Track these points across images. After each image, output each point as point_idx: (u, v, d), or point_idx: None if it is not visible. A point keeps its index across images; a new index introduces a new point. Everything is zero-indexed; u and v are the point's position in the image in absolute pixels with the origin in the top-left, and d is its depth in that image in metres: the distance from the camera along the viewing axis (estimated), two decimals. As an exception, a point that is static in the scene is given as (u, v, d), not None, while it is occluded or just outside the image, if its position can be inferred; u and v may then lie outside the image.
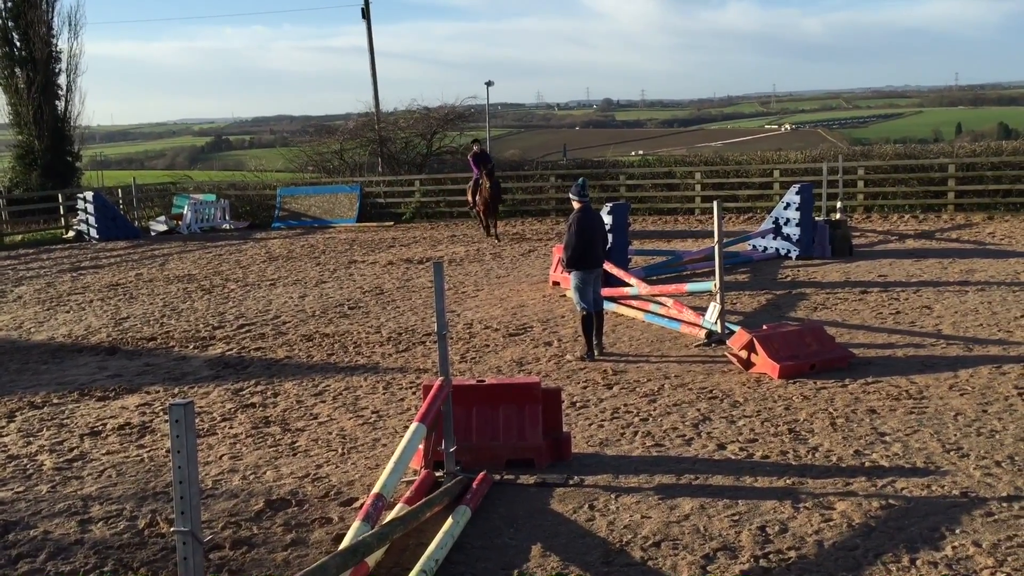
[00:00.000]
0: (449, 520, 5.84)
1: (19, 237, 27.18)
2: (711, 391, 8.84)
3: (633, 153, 58.27)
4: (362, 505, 5.72)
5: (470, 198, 21.89)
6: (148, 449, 7.92)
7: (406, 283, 16.21)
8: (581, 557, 5.51)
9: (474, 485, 6.51)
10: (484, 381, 7.39)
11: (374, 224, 26.96)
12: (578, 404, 8.61)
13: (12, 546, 6.01)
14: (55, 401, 9.54)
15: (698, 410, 8.28)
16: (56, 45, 33.12)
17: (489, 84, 35.84)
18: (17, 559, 5.81)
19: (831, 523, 5.83)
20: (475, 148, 21.84)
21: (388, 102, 45.25)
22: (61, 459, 7.74)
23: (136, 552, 5.84)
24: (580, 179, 10.64)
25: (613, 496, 6.41)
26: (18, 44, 32.50)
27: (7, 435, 8.47)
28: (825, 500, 6.19)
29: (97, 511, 6.55)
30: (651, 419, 8.09)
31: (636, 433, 7.73)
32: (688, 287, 12.16)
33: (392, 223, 27.09)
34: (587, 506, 6.27)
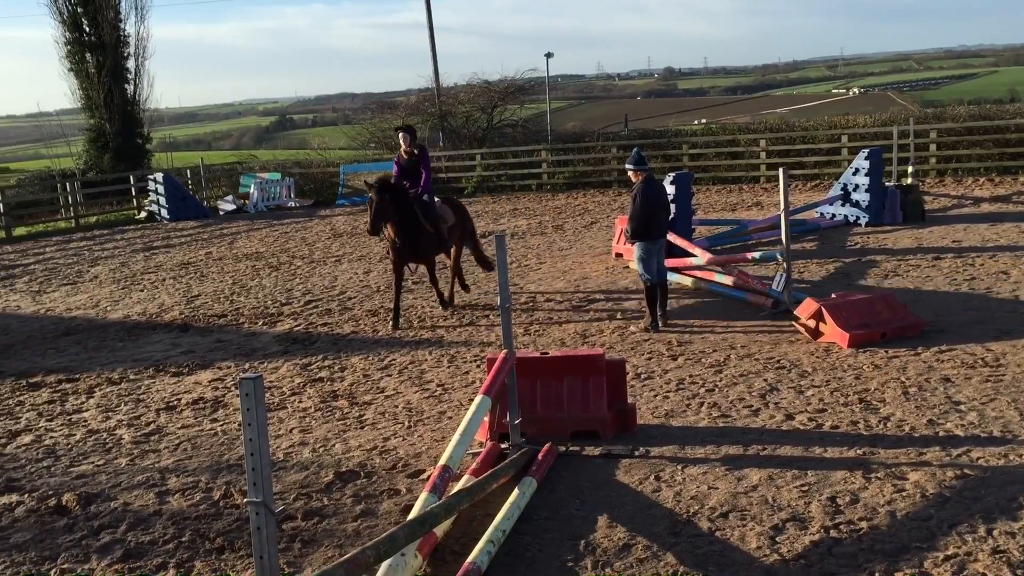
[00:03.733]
0: (515, 491, 5.88)
1: (94, 219, 27.96)
2: (778, 361, 8.72)
3: (696, 122, 57.45)
4: (429, 477, 5.78)
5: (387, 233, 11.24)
6: (221, 423, 8.11)
7: (469, 257, 16.24)
8: (648, 528, 5.50)
9: (539, 457, 6.53)
10: (548, 353, 7.39)
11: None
12: (643, 375, 8.56)
13: (94, 517, 6.22)
14: (132, 377, 9.82)
15: (765, 380, 8.17)
16: (124, 29, 33.83)
17: (549, 56, 35.38)
18: (99, 530, 6.02)
19: (904, 493, 5.72)
20: (402, 144, 11.85)
21: (448, 77, 45.33)
22: (139, 433, 7.97)
23: (212, 523, 6.00)
24: (634, 149, 10.51)
25: (679, 467, 6.38)
26: (87, 29, 33.25)
27: (87, 410, 8.76)
28: (898, 470, 6.07)
29: (174, 483, 6.73)
30: (717, 390, 8.01)
31: (702, 404, 7.67)
32: (754, 256, 11.98)
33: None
34: (653, 477, 6.25)
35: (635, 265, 10.70)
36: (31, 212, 28.74)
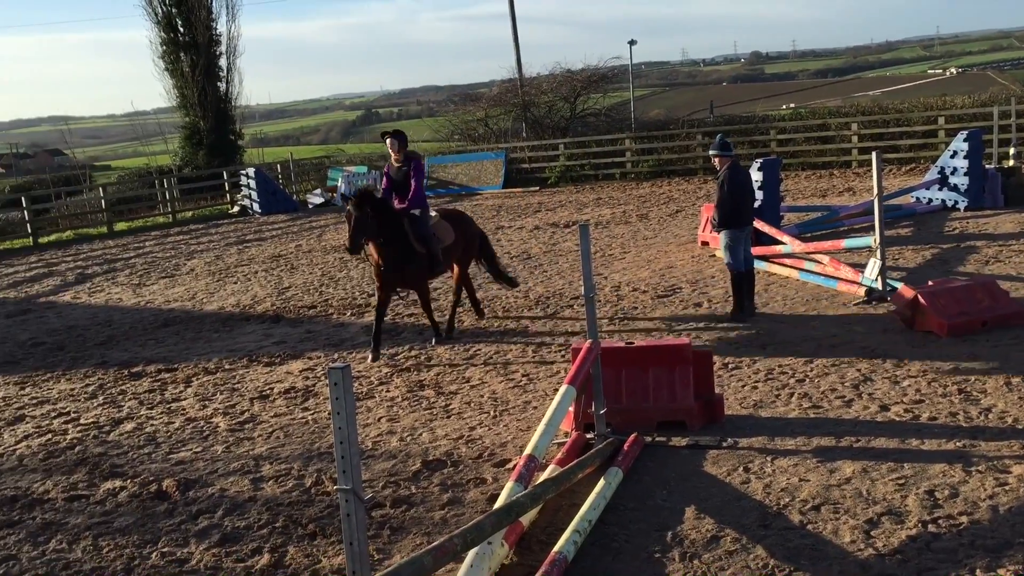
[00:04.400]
0: (601, 481, 5.86)
1: (190, 213, 28.87)
2: (872, 350, 8.47)
3: (784, 107, 56.22)
4: (515, 466, 5.80)
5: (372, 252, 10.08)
6: (312, 412, 8.29)
7: (552, 247, 16.24)
8: (737, 520, 5.42)
9: (625, 447, 6.50)
10: (633, 343, 7.34)
11: (520, 189, 27.11)
12: (730, 365, 8.43)
13: (192, 502, 6.43)
14: (227, 367, 10.11)
15: (858, 370, 7.95)
16: (216, 28, 34.78)
17: (632, 43, 35.07)
18: (197, 514, 6.22)
19: (1006, 488, 5.50)
20: (391, 152, 10.24)
21: (531, 67, 45.30)
22: (234, 421, 8.21)
23: (304, 509, 6.14)
24: (718, 135, 10.35)
25: (769, 459, 6.26)
26: (181, 29, 34.29)
27: (185, 399, 9.06)
28: (1000, 463, 5.85)
29: (268, 470, 6.91)
30: (808, 380, 7.83)
31: (792, 395, 7.51)
32: (845, 243, 11.67)
33: (538, 188, 27.17)
34: (741, 468, 6.15)
35: (721, 253, 10.53)
36: (131, 208, 29.86)
